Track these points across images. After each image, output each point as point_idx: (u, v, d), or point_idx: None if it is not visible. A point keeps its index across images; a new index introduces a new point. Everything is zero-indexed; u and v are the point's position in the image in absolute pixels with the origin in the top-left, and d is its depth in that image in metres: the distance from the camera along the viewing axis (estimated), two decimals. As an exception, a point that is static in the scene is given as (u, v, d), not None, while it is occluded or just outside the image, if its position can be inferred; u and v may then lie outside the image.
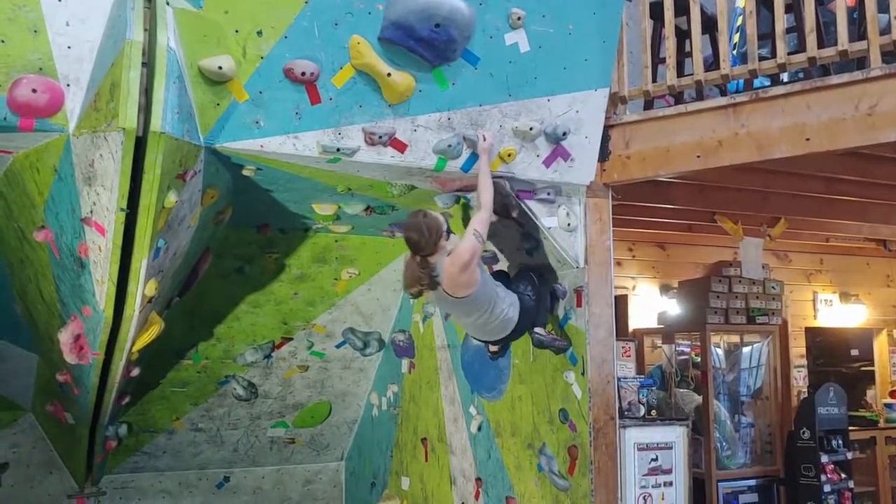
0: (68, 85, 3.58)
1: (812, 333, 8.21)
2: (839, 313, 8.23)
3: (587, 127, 4.59)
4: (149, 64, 3.54)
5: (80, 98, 3.59)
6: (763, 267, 6.86)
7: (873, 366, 8.51)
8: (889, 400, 8.16)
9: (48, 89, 3.54)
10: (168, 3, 3.60)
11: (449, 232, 4.33)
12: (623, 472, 4.84)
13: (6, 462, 6.45)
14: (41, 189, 3.99)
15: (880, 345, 8.51)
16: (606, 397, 4.72)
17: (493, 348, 4.88)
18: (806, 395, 7.33)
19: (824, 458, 6.61)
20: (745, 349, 7.27)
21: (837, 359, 8.95)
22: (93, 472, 6.53)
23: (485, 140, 4.31)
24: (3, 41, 3.46)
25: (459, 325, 5.34)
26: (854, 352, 8.83)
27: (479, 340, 4.92)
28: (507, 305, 4.50)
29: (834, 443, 6.76)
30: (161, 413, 6.46)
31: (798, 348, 7.77)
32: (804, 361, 7.77)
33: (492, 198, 4.28)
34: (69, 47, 3.57)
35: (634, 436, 4.92)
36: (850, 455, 6.87)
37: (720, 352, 7.19)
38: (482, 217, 4.23)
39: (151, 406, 6.35)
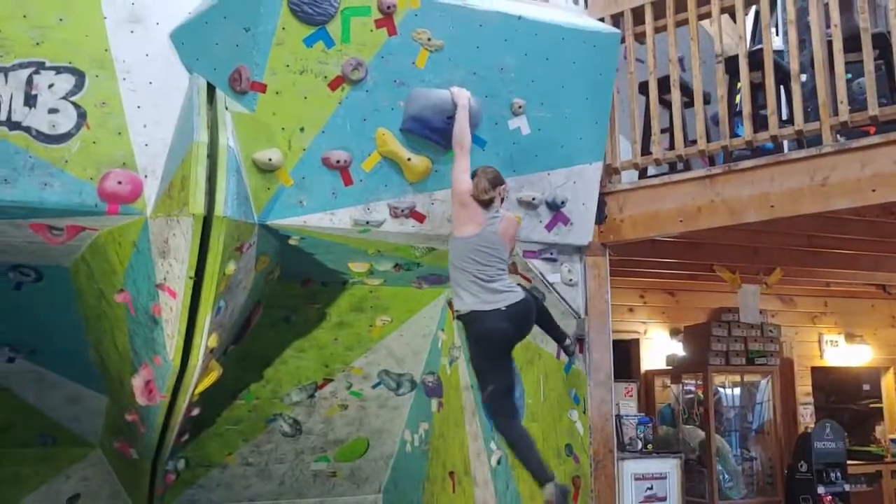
0: (146, 176, 4.31)
1: (821, 372, 8.60)
2: (845, 353, 8.62)
3: (584, 196, 5.21)
4: (211, 157, 4.21)
5: (156, 187, 4.31)
6: (760, 312, 7.36)
7: (881, 403, 8.91)
8: (896, 436, 8.55)
9: (130, 181, 4.27)
10: (227, 108, 4.33)
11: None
12: (621, 500, 5.32)
13: (78, 493, 6.76)
14: (122, 259, 4.67)
15: (888, 383, 8.88)
16: (606, 434, 5.26)
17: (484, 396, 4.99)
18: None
19: (821, 490, 7.02)
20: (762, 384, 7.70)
21: (848, 396, 9.34)
22: (153, 504, 7.06)
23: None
24: (94, 142, 4.20)
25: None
26: (866, 387, 9.23)
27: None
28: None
29: (832, 475, 7.15)
30: (215, 449, 6.81)
31: (804, 386, 8.19)
32: (811, 399, 8.19)
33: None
34: (146, 145, 4.31)
35: (631, 467, 5.42)
36: (848, 487, 7.26)
37: (730, 391, 7.68)
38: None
39: (207, 442, 6.71)
